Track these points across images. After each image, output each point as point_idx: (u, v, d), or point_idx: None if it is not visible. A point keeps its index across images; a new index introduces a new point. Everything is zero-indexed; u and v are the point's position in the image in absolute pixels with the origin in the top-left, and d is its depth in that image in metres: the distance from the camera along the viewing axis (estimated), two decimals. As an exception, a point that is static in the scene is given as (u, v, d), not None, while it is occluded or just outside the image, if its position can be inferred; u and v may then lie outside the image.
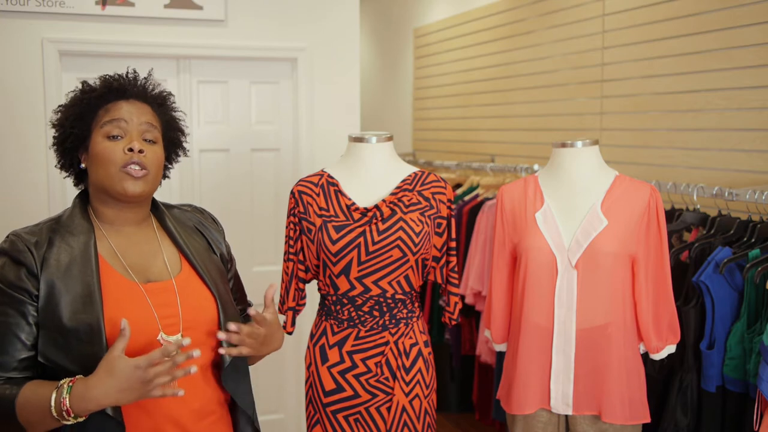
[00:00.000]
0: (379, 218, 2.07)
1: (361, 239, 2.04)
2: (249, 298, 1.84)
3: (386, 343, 2.09)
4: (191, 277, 1.59)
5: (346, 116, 3.68)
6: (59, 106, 1.61)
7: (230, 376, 1.59)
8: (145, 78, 1.63)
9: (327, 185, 2.14)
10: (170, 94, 1.69)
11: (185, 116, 1.73)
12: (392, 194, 2.12)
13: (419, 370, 2.10)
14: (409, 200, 2.11)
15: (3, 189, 3.18)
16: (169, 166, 1.72)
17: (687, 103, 3.18)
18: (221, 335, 1.49)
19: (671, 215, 2.86)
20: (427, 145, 5.69)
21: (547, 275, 2.16)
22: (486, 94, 4.80)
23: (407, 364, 2.09)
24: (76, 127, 1.56)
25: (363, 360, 2.09)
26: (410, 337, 2.10)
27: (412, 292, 2.13)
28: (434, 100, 5.55)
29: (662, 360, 2.47)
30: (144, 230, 1.62)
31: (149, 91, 1.62)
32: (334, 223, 2.07)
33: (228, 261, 1.75)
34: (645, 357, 2.30)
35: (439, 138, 5.48)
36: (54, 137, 1.61)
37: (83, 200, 1.60)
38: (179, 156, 1.73)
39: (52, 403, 1.34)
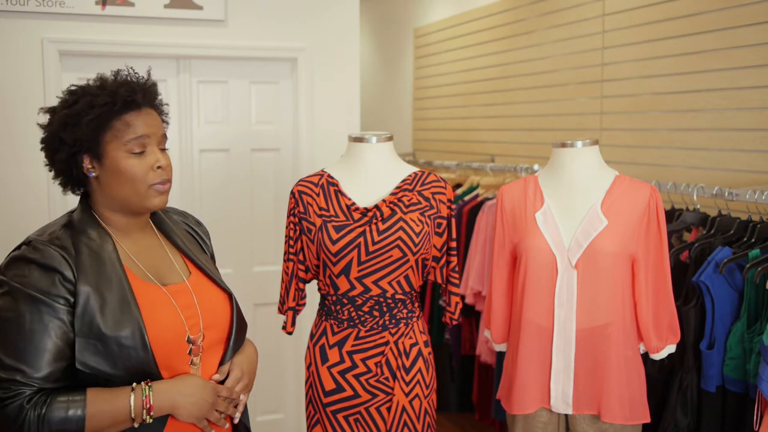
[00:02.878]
0: (379, 218, 2.07)
1: (361, 239, 2.04)
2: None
3: (386, 343, 2.09)
4: (201, 279, 1.64)
5: (346, 116, 3.68)
6: (63, 109, 1.53)
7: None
8: (153, 84, 1.61)
9: (327, 185, 2.14)
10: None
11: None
12: (392, 194, 2.12)
13: (419, 370, 2.10)
14: (409, 200, 2.11)
15: (2, 189, 3.18)
16: None
17: (687, 103, 3.18)
18: (216, 377, 1.59)
19: (671, 215, 2.86)
20: (427, 145, 5.69)
21: (547, 275, 2.16)
22: (486, 94, 4.80)
23: (407, 364, 2.09)
24: (92, 140, 1.51)
25: (363, 360, 2.09)
26: (410, 337, 2.10)
27: (412, 292, 2.13)
28: (434, 100, 5.55)
29: (662, 360, 2.47)
30: (148, 235, 1.64)
31: (155, 96, 1.61)
32: (334, 223, 2.07)
33: (214, 260, 1.83)
34: (645, 357, 2.30)
35: (439, 138, 5.48)
36: (50, 141, 1.54)
37: (87, 205, 1.58)
38: None
39: (132, 404, 1.40)
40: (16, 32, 3.16)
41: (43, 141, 1.55)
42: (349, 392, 2.10)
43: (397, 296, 2.08)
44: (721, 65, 3.00)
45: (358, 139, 2.20)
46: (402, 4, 6.16)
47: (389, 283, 2.07)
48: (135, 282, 1.51)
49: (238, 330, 1.65)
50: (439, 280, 2.22)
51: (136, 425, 1.43)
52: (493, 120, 4.73)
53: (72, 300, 1.42)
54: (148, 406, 1.42)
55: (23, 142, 3.19)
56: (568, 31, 3.96)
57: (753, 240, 2.52)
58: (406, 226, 2.06)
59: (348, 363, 2.10)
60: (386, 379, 2.09)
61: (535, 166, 3.78)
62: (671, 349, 2.23)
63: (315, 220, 2.10)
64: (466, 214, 3.91)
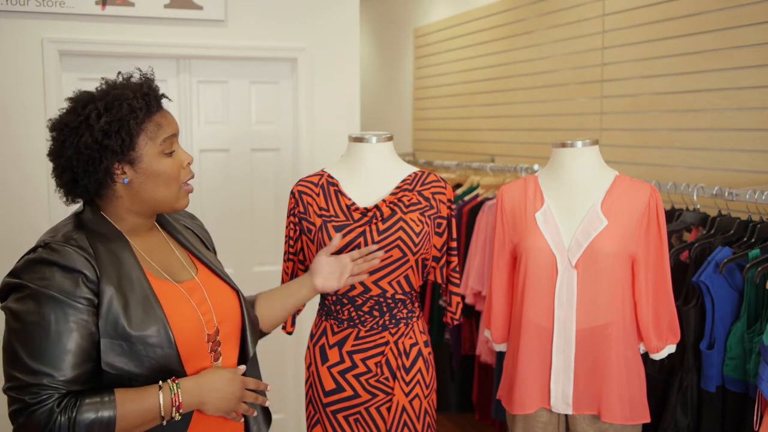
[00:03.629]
0: (379, 218, 2.07)
1: (361, 239, 2.04)
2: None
3: (386, 343, 2.09)
4: (208, 275, 1.65)
5: (346, 116, 3.68)
6: (99, 117, 1.47)
7: (251, 366, 1.69)
8: (155, 84, 1.61)
9: (327, 185, 2.14)
10: None
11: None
12: (392, 194, 2.12)
13: (419, 370, 2.10)
14: (409, 200, 2.11)
15: (2, 189, 3.18)
16: None
17: (687, 103, 3.18)
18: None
19: (671, 215, 2.86)
20: (427, 145, 5.69)
21: (547, 275, 2.16)
22: (486, 94, 4.80)
23: (407, 364, 2.09)
24: (124, 147, 1.48)
25: (363, 360, 2.09)
26: (410, 337, 2.10)
27: (412, 292, 2.13)
28: (434, 100, 5.55)
29: (662, 360, 2.47)
30: (155, 234, 1.64)
31: (161, 96, 1.62)
32: (334, 223, 2.07)
33: (216, 254, 1.83)
34: (645, 357, 2.30)
35: (439, 138, 5.48)
36: (88, 150, 1.47)
37: (95, 206, 1.55)
38: None
39: (161, 402, 1.41)
40: (16, 32, 3.16)
41: (78, 151, 1.47)
42: (349, 392, 2.10)
43: (397, 296, 2.08)
44: (721, 65, 3.00)
45: (358, 139, 2.20)
46: (402, 4, 6.16)
47: (389, 283, 2.07)
48: (153, 280, 1.51)
49: (250, 322, 1.67)
50: (440, 280, 2.21)
51: (164, 423, 1.44)
52: (493, 120, 4.73)
53: (95, 301, 1.41)
54: (177, 403, 1.43)
55: (23, 142, 3.19)
56: (568, 31, 3.96)
57: (753, 240, 2.52)
58: (406, 226, 2.06)
59: (348, 363, 2.10)
60: (386, 379, 2.09)
61: (535, 166, 3.78)
62: (671, 349, 2.23)
63: (315, 220, 2.10)
64: (466, 214, 3.91)
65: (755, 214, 2.65)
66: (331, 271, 1.92)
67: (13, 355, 1.36)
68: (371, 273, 2.06)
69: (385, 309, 2.08)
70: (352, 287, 2.08)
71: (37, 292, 1.37)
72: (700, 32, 3.10)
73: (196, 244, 1.71)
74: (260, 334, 1.83)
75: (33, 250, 1.44)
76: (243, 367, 1.60)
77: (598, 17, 3.72)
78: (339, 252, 2.05)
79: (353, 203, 2.11)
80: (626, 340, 2.15)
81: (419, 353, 2.11)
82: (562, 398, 2.16)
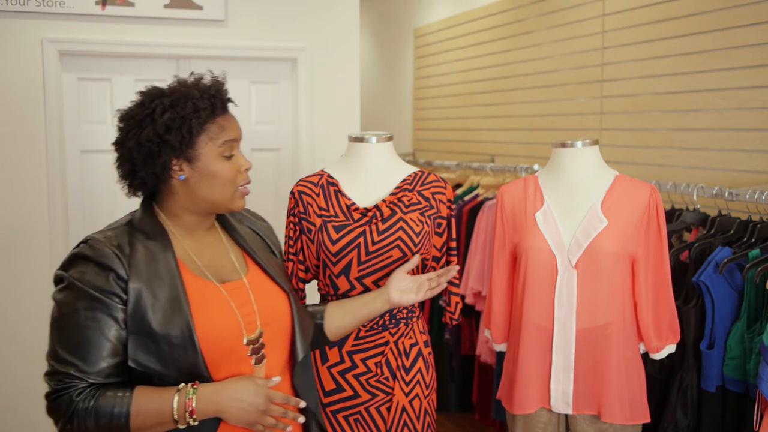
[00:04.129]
0: (379, 218, 2.07)
1: (361, 239, 2.04)
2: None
3: (386, 343, 2.09)
4: (259, 276, 1.63)
5: (346, 116, 3.68)
6: (164, 112, 1.51)
7: (300, 370, 1.63)
8: (225, 87, 1.62)
9: (327, 185, 2.14)
10: None
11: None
12: (392, 194, 2.12)
13: (419, 370, 2.10)
14: (409, 200, 2.11)
15: (2, 188, 3.19)
16: None
17: (687, 103, 3.18)
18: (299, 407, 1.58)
19: (671, 215, 2.86)
20: (427, 145, 5.69)
21: (547, 275, 2.16)
22: (486, 94, 4.80)
23: (407, 364, 2.08)
24: (190, 142, 1.51)
25: (363, 360, 2.09)
26: (410, 337, 2.10)
27: (412, 292, 2.13)
28: (434, 100, 5.55)
29: (662, 360, 2.47)
30: (212, 233, 1.64)
31: (227, 100, 1.63)
32: (334, 223, 2.07)
33: (281, 255, 1.82)
34: (645, 357, 2.30)
35: (439, 138, 5.48)
36: (149, 142, 1.50)
37: (150, 203, 1.59)
38: None
39: (175, 405, 1.40)
40: (16, 32, 3.16)
41: (139, 143, 1.50)
42: (349, 392, 2.10)
43: None
44: (721, 65, 3.01)
45: (358, 139, 2.20)
46: (402, 4, 6.16)
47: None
48: (190, 279, 1.51)
49: (300, 326, 1.64)
50: (439, 280, 2.21)
51: (181, 427, 1.42)
52: (493, 120, 4.73)
53: (125, 297, 1.44)
54: (190, 408, 1.40)
55: (24, 142, 3.19)
56: (568, 31, 3.96)
57: (753, 240, 2.52)
58: (406, 226, 2.06)
59: (348, 363, 2.10)
60: (386, 379, 2.09)
61: (535, 166, 3.78)
62: (671, 349, 2.23)
63: (315, 220, 2.10)
64: (466, 214, 3.91)
65: (755, 214, 2.65)
66: (409, 286, 1.93)
67: (50, 342, 1.44)
68: (371, 273, 2.06)
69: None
70: (352, 287, 2.08)
71: (72, 286, 1.44)
72: (700, 32, 3.10)
73: (255, 245, 1.70)
74: (323, 341, 1.85)
75: (79, 244, 1.51)
76: (277, 379, 1.53)
77: (598, 17, 3.72)
78: (339, 251, 2.05)
79: (353, 203, 2.11)
80: (626, 340, 2.15)
81: (419, 353, 2.11)
82: (562, 398, 2.16)
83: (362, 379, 2.09)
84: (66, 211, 3.33)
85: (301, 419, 1.54)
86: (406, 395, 2.08)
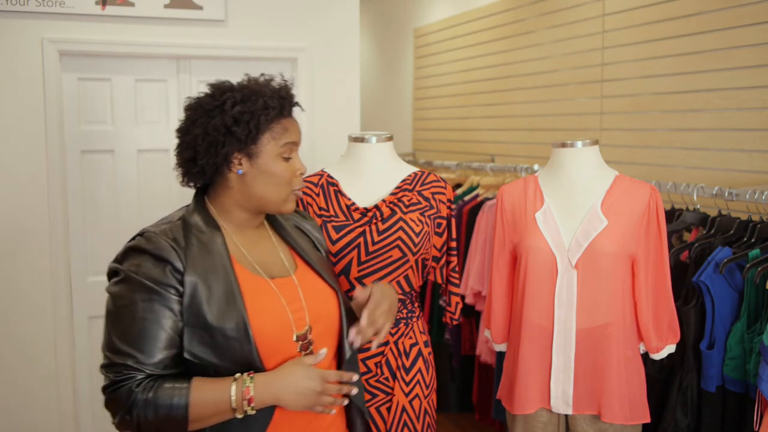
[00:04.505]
0: (379, 218, 2.07)
1: (361, 239, 2.04)
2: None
3: (386, 343, 2.09)
4: (308, 273, 1.65)
5: (346, 116, 3.68)
6: (234, 105, 1.53)
7: (348, 368, 1.63)
8: (293, 91, 1.64)
9: (327, 185, 2.14)
10: None
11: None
12: (392, 194, 2.12)
13: (419, 370, 2.10)
14: (409, 200, 2.11)
15: (3, 188, 3.18)
16: None
17: (687, 103, 3.18)
18: (353, 338, 1.58)
19: (671, 215, 2.86)
20: (427, 145, 5.69)
21: (547, 275, 2.16)
22: (486, 94, 4.80)
23: (407, 364, 2.08)
24: (254, 138, 1.54)
25: (363, 360, 2.09)
26: (410, 337, 2.10)
27: (412, 292, 2.13)
28: (434, 100, 5.55)
29: (662, 360, 2.47)
30: (260, 230, 1.66)
31: (294, 105, 1.64)
32: (333, 223, 2.07)
33: (329, 257, 1.84)
34: (645, 357, 2.30)
35: (439, 138, 5.48)
36: (216, 132, 1.53)
37: (202, 197, 1.62)
38: None
39: (233, 395, 1.41)
40: (16, 32, 3.16)
41: (205, 132, 1.53)
42: (349, 392, 2.10)
43: (397, 296, 2.08)
44: (721, 65, 3.00)
45: (358, 139, 2.20)
46: (402, 4, 6.16)
47: (389, 283, 2.07)
48: (242, 274, 1.53)
49: (349, 324, 1.64)
50: (439, 280, 2.21)
51: (238, 416, 1.43)
52: (493, 120, 4.73)
53: (181, 290, 1.46)
54: (248, 397, 1.42)
55: (23, 142, 3.19)
56: (568, 31, 3.96)
57: (753, 240, 2.52)
58: (405, 226, 2.06)
59: (348, 363, 2.10)
60: (386, 379, 2.09)
61: (535, 166, 3.78)
62: (671, 349, 2.23)
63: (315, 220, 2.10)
64: (466, 214, 3.91)
65: (755, 214, 2.65)
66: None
67: (107, 335, 1.46)
68: (371, 273, 2.06)
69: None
70: (352, 287, 2.08)
71: (129, 278, 1.46)
72: (700, 32, 3.10)
73: (303, 243, 1.72)
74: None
75: (133, 237, 1.53)
76: (323, 351, 1.55)
77: (598, 17, 3.72)
78: (339, 251, 2.05)
79: (353, 203, 2.11)
80: (626, 340, 2.15)
81: (419, 353, 2.11)
82: (562, 398, 2.16)
83: (362, 379, 2.09)
84: (66, 211, 3.33)
85: (354, 391, 1.56)
86: (406, 395, 2.08)
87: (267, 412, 1.48)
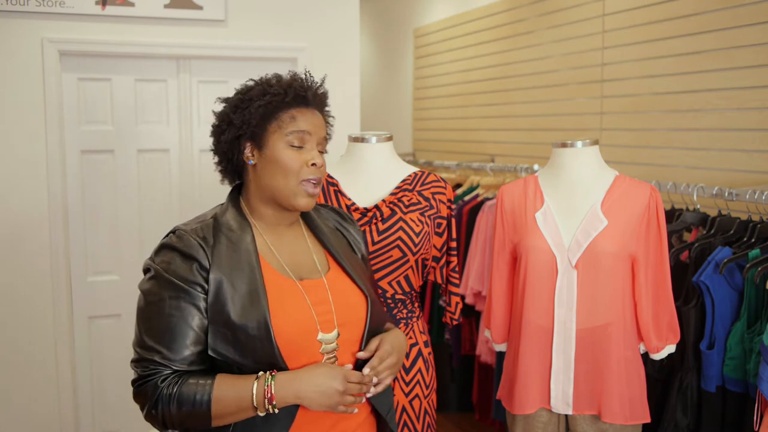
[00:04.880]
0: (379, 218, 2.07)
1: (361, 239, 2.04)
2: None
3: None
4: (340, 276, 1.63)
5: (346, 116, 3.68)
6: (238, 94, 1.60)
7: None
8: (320, 84, 1.64)
9: (327, 185, 2.14)
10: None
11: (334, 120, 1.73)
12: (392, 194, 2.12)
13: (419, 370, 2.10)
14: (409, 200, 2.11)
15: (2, 188, 3.18)
16: None
17: (687, 103, 3.18)
18: (361, 355, 1.56)
19: (671, 215, 2.86)
20: (427, 145, 5.69)
21: (547, 275, 2.16)
22: (486, 94, 4.80)
23: (407, 364, 2.08)
24: (257, 126, 1.56)
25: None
26: (410, 337, 2.10)
27: (412, 292, 2.13)
28: (434, 100, 5.55)
29: (662, 360, 2.47)
30: (294, 230, 1.65)
31: (324, 100, 1.64)
32: (334, 223, 2.07)
33: (367, 261, 1.79)
34: (645, 357, 2.30)
35: (439, 138, 5.48)
36: (219, 121, 1.61)
37: (236, 196, 1.63)
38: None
39: (254, 392, 1.42)
40: (16, 32, 3.16)
41: (213, 124, 1.62)
42: (349, 392, 2.09)
43: (397, 296, 2.08)
44: (721, 65, 3.00)
45: (358, 139, 2.20)
46: (402, 4, 6.16)
47: (389, 283, 2.07)
48: (269, 274, 1.53)
49: (372, 333, 1.61)
50: (439, 280, 2.21)
51: (261, 413, 1.44)
52: (493, 120, 4.73)
53: (206, 287, 1.47)
54: (269, 395, 1.42)
55: (23, 142, 3.19)
56: (568, 31, 3.96)
57: (753, 240, 2.52)
58: (405, 227, 2.06)
59: (348, 363, 2.10)
60: (386, 379, 2.08)
61: (535, 166, 3.78)
62: (671, 349, 2.23)
63: (315, 220, 2.10)
64: (466, 214, 3.91)
65: (755, 214, 2.65)
66: None
67: (137, 330, 1.49)
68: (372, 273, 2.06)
69: (385, 309, 2.08)
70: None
71: (158, 275, 1.49)
72: (700, 32, 3.10)
73: (339, 245, 1.70)
74: None
75: (167, 234, 1.56)
76: (363, 353, 1.56)
77: (598, 17, 3.72)
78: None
79: (353, 203, 2.11)
80: (626, 340, 2.15)
81: (419, 353, 2.11)
82: (562, 398, 2.16)
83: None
84: (66, 211, 3.33)
85: (379, 388, 1.55)
86: (406, 395, 2.08)
87: (290, 412, 1.47)
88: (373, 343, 1.58)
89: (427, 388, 2.12)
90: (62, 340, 3.31)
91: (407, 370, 2.08)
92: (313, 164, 1.56)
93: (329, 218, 1.76)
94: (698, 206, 2.82)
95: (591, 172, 2.22)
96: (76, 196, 3.38)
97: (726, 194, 2.66)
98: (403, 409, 2.08)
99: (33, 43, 3.18)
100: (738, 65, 2.93)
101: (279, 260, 1.57)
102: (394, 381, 2.06)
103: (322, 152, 1.62)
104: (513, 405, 2.22)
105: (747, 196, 2.57)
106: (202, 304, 1.47)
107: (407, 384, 2.08)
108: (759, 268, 2.32)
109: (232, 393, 1.43)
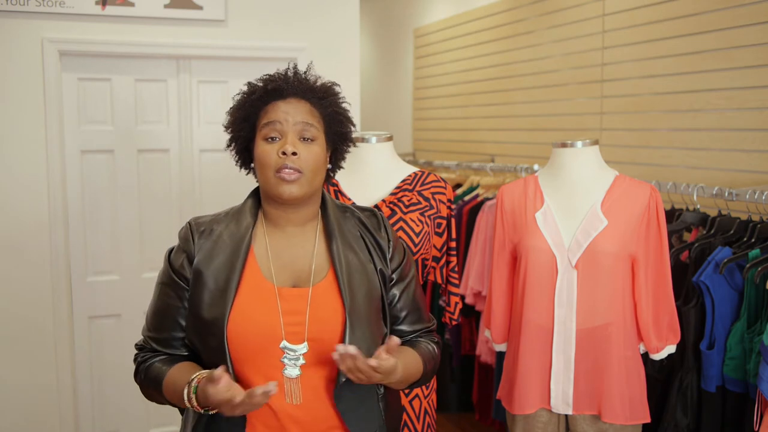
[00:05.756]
0: (379, 218, 2.07)
1: (361, 239, 2.04)
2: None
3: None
4: (330, 289, 1.53)
5: (346, 116, 3.67)
6: (230, 108, 1.62)
7: (344, 395, 1.51)
8: (304, 72, 1.61)
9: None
10: (333, 84, 1.64)
11: (350, 107, 1.69)
12: (392, 194, 2.12)
13: (419, 370, 2.10)
14: (409, 200, 2.11)
15: (2, 188, 3.18)
16: (340, 158, 1.69)
17: (687, 103, 3.18)
18: (339, 348, 1.37)
19: (671, 215, 2.86)
20: (427, 145, 5.69)
21: (547, 275, 2.16)
22: (486, 94, 4.80)
23: (407, 364, 2.08)
24: (243, 130, 1.59)
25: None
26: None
27: (412, 292, 2.13)
28: (434, 100, 5.55)
29: (662, 360, 2.47)
30: (306, 232, 1.59)
31: (307, 86, 1.59)
32: (334, 223, 2.07)
33: (389, 277, 1.62)
34: (645, 357, 2.30)
35: (439, 138, 5.48)
36: (228, 140, 1.65)
37: (257, 196, 1.63)
38: (348, 149, 1.70)
39: (185, 396, 1.45)
40: (16, 32, 3.16)
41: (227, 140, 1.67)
42: (349, 392, 2.09)
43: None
44: (721, 65, 3.00)
45: (358, 139, 2.20)
46: (402, 4, 6.16)
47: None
48: (251, 275, 1.52)
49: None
50: (439, 280, 2.21)
51: (201, 411, 1.44)
52: (493, 120, 4.73)
53: (189, 279, 1.53)
54: (193, 404, 1.44)
55: (24, 142, 3.19)
56: (568, 31, 3.96)
57: (753, 240, 2.52)
58: (405, 227, 2.06)
59: (348, 363, 2.09)
60: (386, 379, 2.08)
61: (535, 166, 3.78)
62: (671, 349, 2.23)
63: (315, 220, 2.10)
64: (466, 214, 3.91)
65: (755, 214, 2.65)
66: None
67: None
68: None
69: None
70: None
71: (165, 262, 1.59)
72: (700, 32, 3.10)
73: (350, 255, 1.57)
74: None
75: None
76: (271, 386, 1.33)
77: (598, 17, 3.72)
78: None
79: (353, 203, 2.10)
80: (626, 341, 2.15)
81: (419, 353, 2.11)
82: (562, 398, 2.16)
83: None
84: (66, 211, 3.33)
85: (272, 391, 1.33)
86: (406, 395, 2.08)
87: (240, 418, 1.46)
88: (382, 352, 1.42)
89: (427, 388, 2.12)
90: (62, 340, 3.31)
91: (407, 370, 2.08)
92: (283, 153, 1.50)
93: (363, 224, 1.64)
94: (698, 206, 2.82)
95: (591, 172, 2.22)
96: (76, 196, 3.38)
97: (726, 194, 2.66)
98: (403, 409, 2.07)
99: (33, 43, 3.18)
100: (738, 65, 2.93)
101: (269, 264, 1.54)
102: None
103: (310, 139, 1.54)
104: (513, 405, 2.22)
105: (747, 196, 2.57)
106: (186, 295, 1.53)
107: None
108: (759, 268, 2.32)
109: (175, 387, 1.47)
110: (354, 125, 1.69)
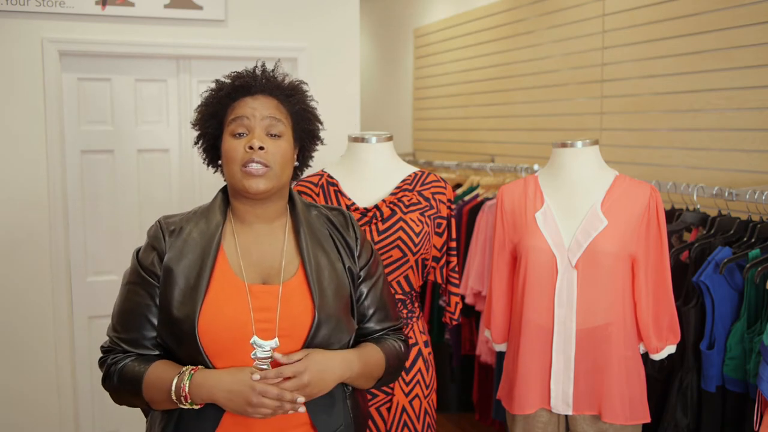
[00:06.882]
0: (379, 218, 2.07)
1: (361, 239, 2.04)
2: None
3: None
4: (300, 286, 1.55)
5: (346, 116, 3.67)
6: (198, 105, 1.63)
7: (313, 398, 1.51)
8: (272, 70, 1.63)
9: (327, 185, 2.14)
10: (301, 83, 1.68)
11: (318, 104, 1.72)
12: (392, 194, 2.12)
13: (419, 370, 2.10)
14: (409, 200, 2.11)
15: (2, 188, 3.18)
16: (308, 156, 1.72)
17: (687, 103, 3.18)
18: (278, 356, 1.47)
19: (671, 215, 2.86)
20: (427, 145, 5.69)
21: (547, 275, 2.16)
22: (486, 94, 4.80)
23: (407, 364, 2.08)
24: (210, 127, 1.60)
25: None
26: (410, 337, 2.10)
27: (412, 292, 2.13)
28: (434, 100, 5.55)
29: (662, 360, 2.47)
30: (274, 230, 1.61)
31: (275, 83, 1.61)
32: (334, 223, 2.07)
33: (357, 276, 1.65)
34: (645, 357, 2.30)
35: (439, 138, 5.48)
36: (197, 138, 1.66)
37: (226, 194, 1.64)
38: (315, 146, 1.73)
39: (173, 387, 1.44)
40: (16, 32, 3.16)
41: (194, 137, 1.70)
42: (349, 392, 2.09)
43: (397, 296, 2.08)
44: (721, 65, 3.00)
45: (358, 139, 2.20)
46: (402, 4, 6.16)
47: (389, 283, 2.07)
48: (221, 272, 1.53)
49: (313, 347, 1.52)
50: (439, 280, 2.21)
51: (183, 407, 1.46)
52: (493, 120, 4.73)
53: (160, 276, 1.53)
54: (184, 393, 1.44)
55: (24, 142, 3.19)
56: (568, 31, 3.96)
57: (753, 240, 2.52)
58: (405, 227, 2.06)
59: (348, 363, 2.09)
60: (386, 379, 2.08)
61: (535, 166, 3.78)
62: (671, 349, 2.23)
63: (315, 220, 2.10)
64: (466, 214, 3.91)
65: (755, 214, 2.65)
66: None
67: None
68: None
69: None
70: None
71: (133, 261, 1.59)
72: (700, 32, 3.10)
73: (318, 253, 1.59)
74: None
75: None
76: (282, 357, 1.46)
77: (598, 17, 3.72)
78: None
79: (353, 203, 2.11)
80: (626, 341, 2.15)
81: (419, 353, 2.11)
82: (562, 398, 2.16)
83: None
84: (66, 211, 3.33)
85: (301, 409, 1.45)
86: (406, 395, 2.08)
87: (218, 408, 1.47)
88: (297, 355, 1.48)
89: (427, 388, 2.12)
90: (62, 340, 3.31)
91: (407, 370, 2.08)
92: (250, 147, 1.51)
93: (329, 223, 1.67)
94: (698, 206, 2.82)
95: (591, 172, 2.22)
96: (76, 197, 3.38)
97: (726, 194, 2.66)
98: (403, 409, 2.07)
99: (33, 43, 3.18)
100: (738, 65, 2.93)
101: (239, 261, 1.55)
102: (401, 381, 2.06)
103: (277, 135, 1.56)
104: (513, 405, 2.22)
105: (747, 196, 2.57)
106: (156, 293, 1.52)
107: (407, 384, 2.08)
108: (759, 268, 2.32)
109: (159, 383, 1.46)
110: (321, 123, 1.72)
